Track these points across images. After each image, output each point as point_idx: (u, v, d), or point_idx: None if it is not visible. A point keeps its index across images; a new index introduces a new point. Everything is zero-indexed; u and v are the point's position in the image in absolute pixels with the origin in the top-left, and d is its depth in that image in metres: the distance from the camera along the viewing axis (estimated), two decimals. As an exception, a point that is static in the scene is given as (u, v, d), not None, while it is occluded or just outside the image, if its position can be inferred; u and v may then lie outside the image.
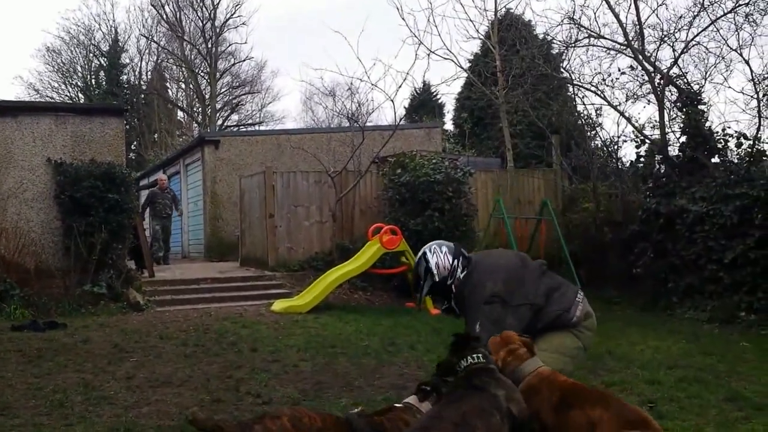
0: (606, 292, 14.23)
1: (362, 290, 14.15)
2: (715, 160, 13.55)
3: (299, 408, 3.72)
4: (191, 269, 16.89)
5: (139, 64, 46.15)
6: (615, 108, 15.78)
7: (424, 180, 14.25)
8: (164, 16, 43.38)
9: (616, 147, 16.79)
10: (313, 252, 15.39)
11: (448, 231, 14.11)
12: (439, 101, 36.16)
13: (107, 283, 12.88)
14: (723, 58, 14.42)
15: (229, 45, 44.53)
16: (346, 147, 17.45)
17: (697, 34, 14.44)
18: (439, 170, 14.50)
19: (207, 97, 43.75)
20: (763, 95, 13.33)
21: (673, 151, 14.26)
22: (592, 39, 15.89)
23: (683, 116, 14.04)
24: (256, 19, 77.38)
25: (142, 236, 15.05)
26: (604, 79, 16.14)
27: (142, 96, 45.22)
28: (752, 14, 13.89)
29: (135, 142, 42.41)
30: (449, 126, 31.06)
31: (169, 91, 46.83)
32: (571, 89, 19.06)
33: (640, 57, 14.81)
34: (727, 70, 14.64)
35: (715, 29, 14.31)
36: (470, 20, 21.93)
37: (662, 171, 14.35)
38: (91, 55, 44.85)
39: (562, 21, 16.57)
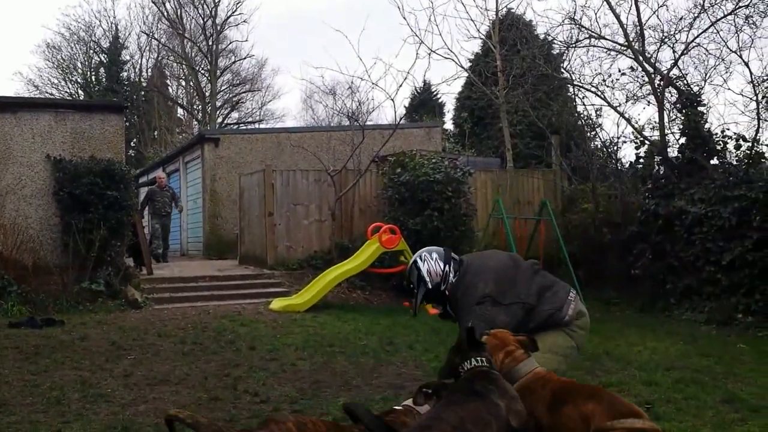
0: (605, 292, 14.27)
1: (361, 289, 14.16)
2: (714, 161, 13.58)
3: (303, 416, 3.71)
4: (190, 267, 16.89)
5: (139, 61, 46.16)
6: (615, 109, 15.82)
7: (423, 179, 14.25)
8: (165, 13, 43.34)
9: (615, 148, 16.85)
10: (312, 251, 15.39)
11: (447, 231, 14.14)
12: (440, 101, 36.18)
13: (105, 280, 12.88)
14: (723, 59, 14.49)
15: (230, 43, 44.53)
16: (346, 146, 17.46)
17: (697, 36, 14.50)
18: (439, 170, 14.51)
19: (207, 94, 43.72)
20: (763, 97, 13.35)
21: (673, 152, 14.30)
22: (592, 39, 15.93)
23: (683, 118, 14.07)
24: (257, 16, 77.37)
25: (141, 234, 15.05)
26: (604, 80, 16.23)
27: (142, 93, 45.17)
28: (752, 16, 13.94)
29: (135, 139, 42.37)
30: (449, 125, 31.06)
31: (169, 88, 46.79)
32: (571, 90, 19.10)
33: (641, 58, 14.83)
34: (726, 72, 14.73)
35: (715, 31, 14.37)
36: (471, 20, 22.05)
37: (661, 172, 14.37)
38: (92, 51, 44.79)
39: (563, 21, 16.61)
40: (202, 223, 21.41)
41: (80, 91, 43.93)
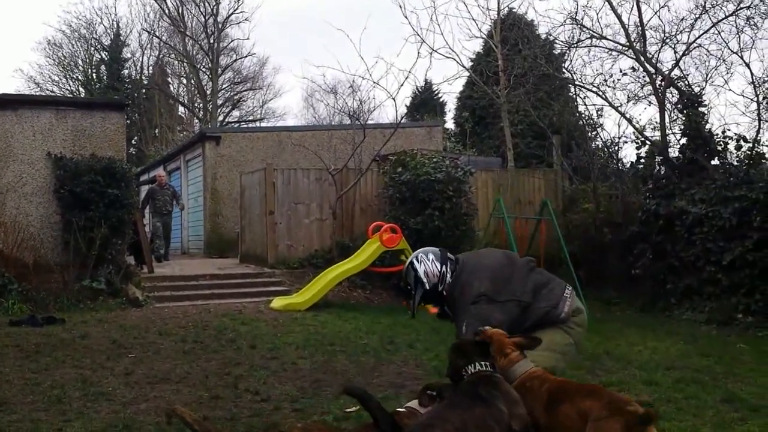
0: (605, 292, 14.28)
1: (361, 288, 14.17)
2: (715, 162, 13.58)
3: (309, 423, 3.72)
4: (191, 265, 16.90)
5: (140, 59, 46.16)
6: (616, 109, 15.81)
7: (424, 179, 14.26)
8: (166, 11, 43.34)
9: (616, 148, 16.84)
10: (312, 249, 15.40)
11: (448, 230, 14.16)
12: (441, 100, 36.20)
13: (106, 278, 12.89)
14: (724, 60, 14.47)
15: (231, 41, 44.52)
16: (347, 145, 17.47)
17: (699, 37, 14.48)
18: (440, 169, 14.52)
19: (208, 92, 43.71)
20: (763, 98, 13.36)
21: (674, 152, 14.30)
22: (594, 40, 15.91)
23: (684, 118, 14.07)
24: (258, 15, 77.37)
25: (142, 232, 15.05)
26: (605, 80, 16.19)
27: (143, 91, 45.16)
28: (753, 17, 13.92)
29: (135, 137, 42.36)
30: (450, 125, 31.08)
31: (170, 86, 46.78)
32: (572, 90, 19.07)
33: (642, 58, 14.82)
34: (727, 73, 14.68)
35: (716, 32, 14.34)
36: (473, 19, 21.95)
37: (662, 172, 14.37)
38: (93, 49, 44.78)
39: (564, 21, 16.59)
40: (203, 222, 21.43)
41: (81, 89, 43.90)
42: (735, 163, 13.30)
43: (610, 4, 15.13)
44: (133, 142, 41.52)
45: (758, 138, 13.07)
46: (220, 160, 20.94)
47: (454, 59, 19.51)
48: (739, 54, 13.76)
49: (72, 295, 12.43)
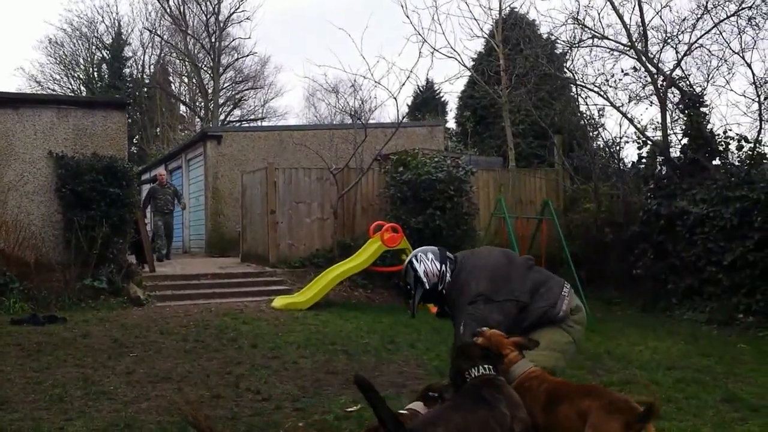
0: (606, 292, 14.29)
1: (363, 288, 14.18)
2: (716, 162, 13.60)
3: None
4: (192, 264, 16.90)
5: (142, 58, 46.17)
6: (617, 109, 15.81)
7: (425, 178, 14.27)
8: (168, 10, 43.35)
9: (618, 148, 16.84)
10: (314, 249, 15.41)
11: (449, 229, 14.16)
12: (442, 99, 36.18)
13: (108, 277, 12.90)
14: (725, 60, 14.47)
15: (233, 40, 44.52)
16: (348, 144, 17.46)
17: (700, 37, 14.46)
18: (441, 169, 14.52)
19: (210, 91, 43.74)
20: (765, 98, 13.37)
21: (675, 152, 14.31)
22: (595, 39, 15.90)
23: (685, 118, 14.08)
24: (260, 14, 77.37)
25: (143, 231, 15.06)
26: (607, 80, 16.18)
27: (145, 90, 45.18)
28: (755, 18, 13.91)
29: (137, 136, 42.39)
30: (452, 124, 31.04)
31: (171, 85, 46.80)
32: (574, 89, 19.05)
33: (644, 58, 14.82)
34: (729, 73, 14.66)
35: (717, 32, 14.33)
36: (474, 19, 22.14)
37: (663, 172, 14.38)
38: (94, 47, 44.79)
39: (566, 21, 16.59)
40: (204, 221, 21.43)
41: (82, 88, 43.95)
42: (736, 164, 13.31)
43: (612, 4, 15.14)
44: (134, 141, 41.55)
45: (759, 138, 13.12)
46: (221, 159, 20.94)
47: (456, 59, 19.61)
48: (741, 54, 13.78)
49: (73, 294, 12.44)
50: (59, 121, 13.90)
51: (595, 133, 17.97)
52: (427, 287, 4.43)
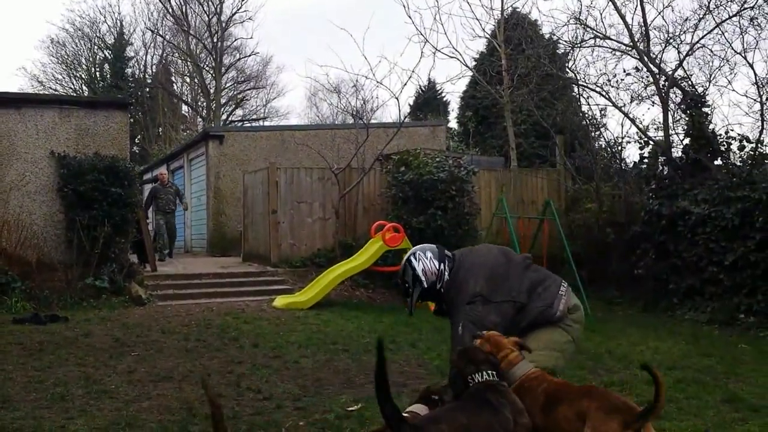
0: (608, 292, 14.29)
1: (364, 287, 14.18)
2: (718, 162, 13.60)
3: None
4: (194, 264, 16.92)
5: (144, 58, 46.17)
6: (619, 109, 15.81)
7: (427, 178, 14.28)
8: (170, 10, 43.38)
9: (619, 148, 16.84)
10: (315, 249, 15.42)
11: (451, 229, 14.17)
12: (444, 99, 36.21)
13: (109, 276, 12.92)
14: (727, 61, 14.48)
15: (235, 40, 44.57)
16: (350, 144, 17.48)
17: (702, 37, 14.45)
18: (443, 168, 14.53)
19: (212, 91, 43.78)
20: (767, 99, 13.34)
21: (677, 152, 14.31)
22: (597, 40, 15.90)
23: (687, 118, 14.08)
24: (262, 14, 77.42)
25: (145, 230, 15.08)
26: (609, 80, 16.17)
27: (147, 90, 45.20)
28: (757, 18, 13.89)
29: (139, 136, 42.43)
30: (453, 124, 31.08)
31: (173, 85, 46.84)
32: (576, 89, 19.05)
33: (646, 59, 14.81)
34: (731, 74, 14.71)
35: (720, 32, 14.32)
36: (476, 19, 22.10)
37: (665, 173, 14.38)
38: (96, 47, 44.81)
39: (568, 21, 16.61)
40: (206, 220, 21.45)
41: (84, 87, 43.96)
42: (738, 164, 13.30)
43: (614, 4, 15.14)
44: (136, 140, 41.59)
45: (761, 138, 13.08)
46: (223, 159, 20.96)
47: (458, 59, 19.58)
48: (743, 54, 13.77)
49: (75, 293, 12.46)
50: (61, 121, 13.92)
51: (597, 133, 17.99)
52: (426, 286, 4.42)
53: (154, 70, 46.31)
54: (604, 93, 16.11)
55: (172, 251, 18.66)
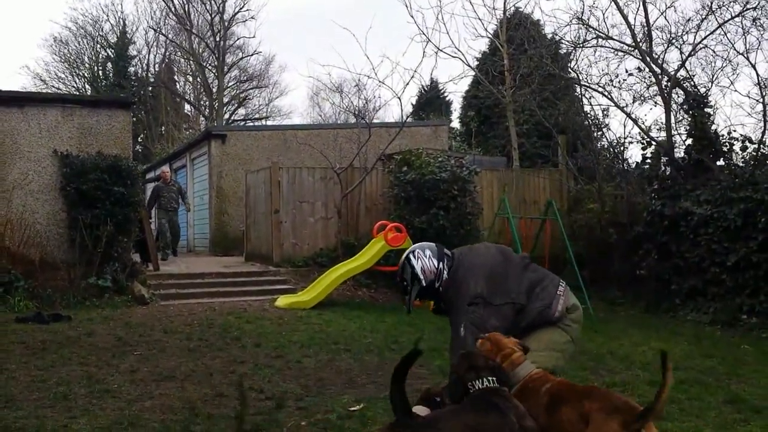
0: (610, 292, 14.28)
1: (366, 287, 14.19)
2: (720, 163, 13.58)
3: None
4: (196, 263, 16.94)
5: (146, 57, 46.21)
6: (622, 109, 15.78)
7: (429, 178, 14.28)
8: (173, 9, 43.42)
9: (622, 148, 16.80)
10: (317, 248, 15.43)
11: (453, 229, 14.18)
12: (447, 99, 36.20)
13: (112, 276, 12.93)
14: (730, 61, 14.47)
15: (237, 39, 44.62)
16: (352, 143, 17.48)
17: (705, 37, 14.45)
18: (445, 168, 14.54)
19: (214, 90, 43.80)
20: (770, 99, 13.33)
21: (679, 153, 14.29)
22: (600, 40, 15.91)
23: (689, 119, 14.06)
24: (264, 13, 77.46)
25: (148, 229, 15.10)
26: (611, 80, 16.19)
27: (150, 89, 45.23)
28: (759, 18, 13.89)
29: (142, 135, 42.47)
30: (456, 124, 31.08)
31: (176, 84, 46.86)
32: (578, 89, 19.07)
33: (648, 59, 14.81)
34: (733, 74, 14.73)
35: (722, 33, 14.31)
36: (479, 18, 22.14)
37: (668, 173, 14.36)
38: (99, 46, 44.87)
39: (570, 21, 16.64)
40: (208, 220, 21.47)
41: (87, 86, 44.00)
42: (740, 164, 13.28)
43: (617, 4, 15.14)
44: (139, 139, 41.63)
45: (764, 139, 13.06)
46: (225, 158, 20.97)
47: (460, 58, 19.63)
48: (745, 55, 13.77)
49: (78, 292, 12.47)
50: (64, 120, 13.94)
51: (599, 133, 17.96)
52: (424, 284, 4.42)
53: (156, 69, 46.37)
54: (606, 93, 16.13)
55: (176, 249, 18.67)
